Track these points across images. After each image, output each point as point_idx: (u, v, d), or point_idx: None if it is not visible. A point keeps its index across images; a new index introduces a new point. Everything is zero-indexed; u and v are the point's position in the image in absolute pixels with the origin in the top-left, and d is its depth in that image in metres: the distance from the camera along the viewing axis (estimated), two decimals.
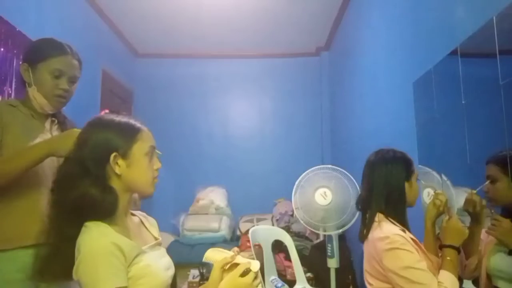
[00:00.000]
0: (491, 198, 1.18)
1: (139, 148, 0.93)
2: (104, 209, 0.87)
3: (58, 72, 1.29)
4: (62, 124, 1.39)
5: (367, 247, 1.30)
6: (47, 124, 1.34)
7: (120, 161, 0.91)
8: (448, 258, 1.19)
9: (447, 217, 1.26)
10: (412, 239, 1.20)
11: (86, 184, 0.87)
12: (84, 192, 0.86)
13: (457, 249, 1.20)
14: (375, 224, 1.28)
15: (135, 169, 0.92)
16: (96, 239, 0.84)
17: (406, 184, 1.29)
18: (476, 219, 1.27)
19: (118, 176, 0.91)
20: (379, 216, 1.28)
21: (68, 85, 1.32)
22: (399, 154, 1.34)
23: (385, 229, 1.21)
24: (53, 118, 1.36)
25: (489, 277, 1.19)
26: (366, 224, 1.31)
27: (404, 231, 1.23)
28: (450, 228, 1.22)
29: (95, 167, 0.89)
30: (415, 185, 1.32)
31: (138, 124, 0.96)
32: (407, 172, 1.30)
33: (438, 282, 1.12)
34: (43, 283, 1.14)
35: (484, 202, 1.26)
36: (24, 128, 1.25)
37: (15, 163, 1.15)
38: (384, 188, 1.30)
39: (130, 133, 0.93)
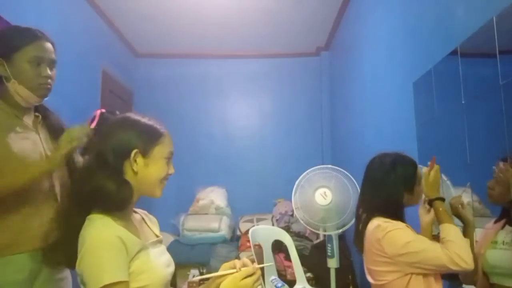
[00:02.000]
0: (494, 195, 1.16)
1: (160, 151, 0.96)
2: (118, 202, 0.89)
3: (37, 59, 1.21)
4: (46, 119, 1.33)
5: (365, 246, 1.31)
6: (30, 121, 1.27)
7: (139, 159, 0.93)
8: (441, 209, 1.22)
9: (427, 171, 1.27)
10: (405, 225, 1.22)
11: (103, 176, 0.89)
12: (100, 184, 0.88)
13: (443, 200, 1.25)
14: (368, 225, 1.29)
15: (151, 169, 0.95)
16: (100, 232, 0.85)
17: (406, 195, 1.28)
18: (463, 221, 1.27)
19: (135, 173, 0.93)
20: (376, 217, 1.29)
21: (49, 70, 1.25)
22: (401, 163, 1.30)
23: (375, 222, 1.24)
24: (36, 114, 1.29)
25: (485, 275, 1.19)
26: (361, 228, 1.31)
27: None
28: (436, 181, 1.25)
29: (114, 161, 0.91)
30: (418, 191, 1.30)
31: (162, 128, 1.00)
32: (407, 182, 1.28)
33: (441, 238, 1.15)
34: (43, 271, 1.17)
35: (463, 202, 1.27)
36: (9, 130, 1.18)
37: (10, 180, 1.12)
38: (381, 196, 1.29)
39: (153, 135, 0.97)
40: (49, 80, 1.25)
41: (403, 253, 1.14)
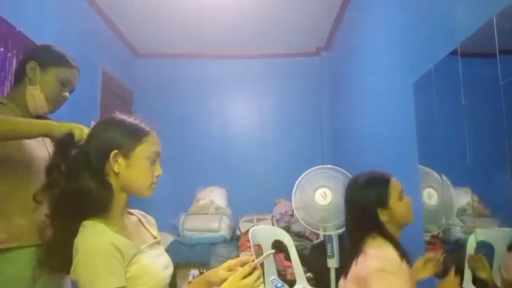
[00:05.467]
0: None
1: (142, 151, 0.95)
2: (99, 203, 0.89)
3: (66, 82, 1.37)
4: None
5: (355, 268, 1.22)
6: None
7: (120, 160, 0.92)
8: None
9: (448, 277, 1.22)
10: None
11: (85, 177, 0.89)
12: (81, 184, 0.88)
13: None
14: (365, 246, 1.22)
15: (134, 170, 0.94)
16: (93, 239, 0.84)
17: (384, 211, 1.24)
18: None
19: (116, 174, 0.92)
20: (372, 235, 1.23)
21: (68, 94, 1.41)
22: (372, 180, 1.28)
23: (384, 249, 1.18)
24: None
25: None
26: (354, 253, 1.24)
27: (401, 258, 1.16)
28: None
29: (96, 162, 0.91)
30: (396, 206, 1.24)
31: (147, 128, 0.98)
32: (380, 198, 1.24)
33: None
34: (44, 273, 1.16)
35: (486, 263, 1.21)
36: None
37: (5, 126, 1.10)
38: (360, 215, 1.28)
39: (136, 134, 0.96)
40: (64, 101, 1.40)
41: None
